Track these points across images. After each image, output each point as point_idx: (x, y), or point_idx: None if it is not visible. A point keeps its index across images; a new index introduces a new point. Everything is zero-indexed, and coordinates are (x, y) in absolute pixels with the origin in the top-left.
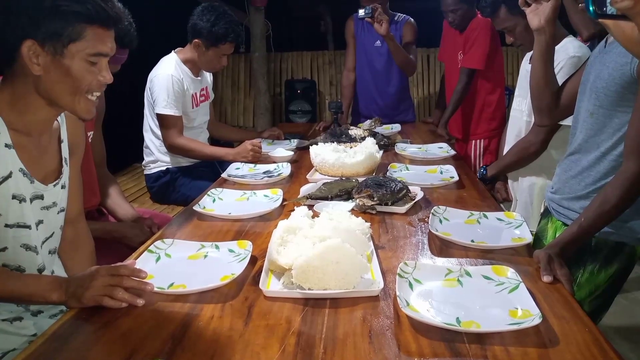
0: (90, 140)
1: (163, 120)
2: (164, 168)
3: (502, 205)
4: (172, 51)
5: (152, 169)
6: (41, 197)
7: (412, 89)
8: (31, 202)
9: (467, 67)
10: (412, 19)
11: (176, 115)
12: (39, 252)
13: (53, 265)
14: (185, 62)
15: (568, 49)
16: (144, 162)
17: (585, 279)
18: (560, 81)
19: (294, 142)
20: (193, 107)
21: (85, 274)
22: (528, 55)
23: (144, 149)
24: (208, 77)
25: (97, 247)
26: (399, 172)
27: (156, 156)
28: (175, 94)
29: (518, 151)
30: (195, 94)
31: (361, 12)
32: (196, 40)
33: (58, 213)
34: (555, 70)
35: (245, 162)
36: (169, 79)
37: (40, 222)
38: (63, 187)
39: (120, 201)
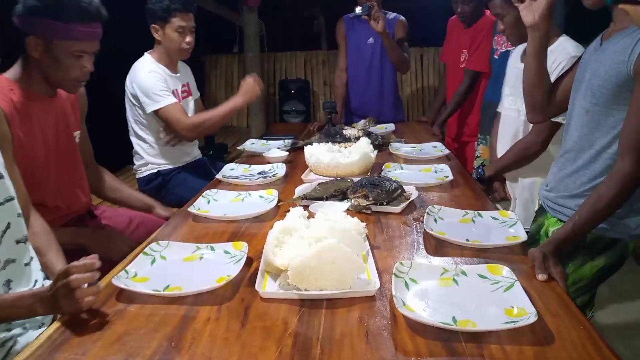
0: (77, 140)
1: (166, 112)
2: (154, 170)
3: (499, 204)
4: (145, 53)
5: (144, 172)
6: None
7: (406, 88)
8: None
9: (472, 70)
10: (403, 17)
11: (175, 101)
12: None
13: (30, 253)
14: (159, 61)
15: (567, 48)
16: (134, 167)
17: (572, 269)
18: None
19: (289, 143)
20: None
21: (50, 286)
22: (515, 52)
23: (133, 154)
24: (189, 73)
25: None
26: (393, 171)
27: (146, 159)
28: (162, 86)
29: (518, 151)
30: (176, 90)
31: (358, 9)
32: (153, 25)
33: (4, 203)
34: (557, 70)
35: (256, 99)
36: (152, 75)
37: None
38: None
39: (132, 192)
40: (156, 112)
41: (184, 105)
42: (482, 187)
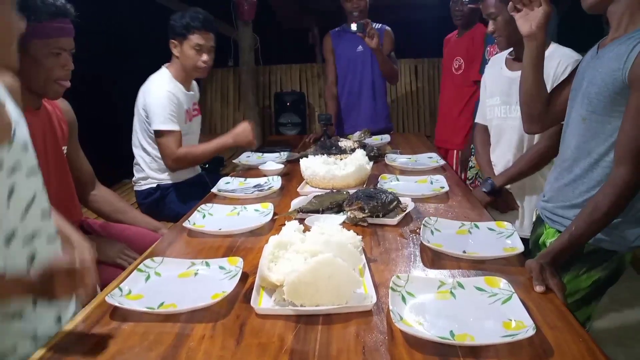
0: (65, 155)
1: (164, 136)
2: (154, 185)
3: (508, 214)
4: (162, 66)
5: (142, 185)
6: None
7: (400, 99)
8: None
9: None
10: (389, 28)
11: (177, 130)
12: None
13: (53, 228)
14: (176, 77)
15: (567, 53)
16: (134, 179)
17: (567, 280)
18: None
19: (284, 155)
20: (186, 122)
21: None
22: (496, 60)
23: (134, 165)
24: (197, 91)
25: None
26: (389, 183)
27: (146, 173)
28: (173, 109)
29: (533, 158)
30: (189, 109)
31: (353, 26)
32: (172, 40)
33: (28, 177)
34: (566, 73)
35: (246, 145)
36: (167, 95)
37: (11, 191)
38: (25, 147)
39: (137, 215)
40: (156, 131)
41: (194, 123)
42: (491, 199)
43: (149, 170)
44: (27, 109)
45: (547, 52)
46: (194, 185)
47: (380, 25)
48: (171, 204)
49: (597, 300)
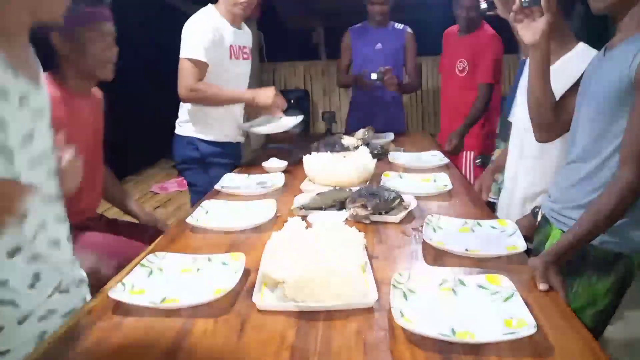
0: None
1: (187, 64)
2: (194, 135)
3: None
4: (210, 4)
5: (184, 130)
6: (27, 99)
7: (405, 97)
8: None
9: (486, 83)
10: (410, 30)
11: (201, 60)
12: (15, 161)
13: (51, 185)
14: (225, 15)
15: (594, 53)
16: (177, 121)
17: (582, 288)
18: None
19: (297, 118)
20: (231, 58)
21: None
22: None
23: (180, 106)
24: (250, 37)
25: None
26: (392, 181)
27: (189, 117)
28: (204, 40)
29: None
30: (235, 45)
31: (373, 76)
32: None
33: (48, 129)
34: None
35: (263, 106)
36: (202, 25)
37: (30, 136)
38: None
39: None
40: (181, 59)
41: (242, 65)
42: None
43: (191, 115)
44: (79, 93)
45: (573, 51)
46: (231, 163)
47: (403, 26)
48: (211, 175)
49: (615, 309)
